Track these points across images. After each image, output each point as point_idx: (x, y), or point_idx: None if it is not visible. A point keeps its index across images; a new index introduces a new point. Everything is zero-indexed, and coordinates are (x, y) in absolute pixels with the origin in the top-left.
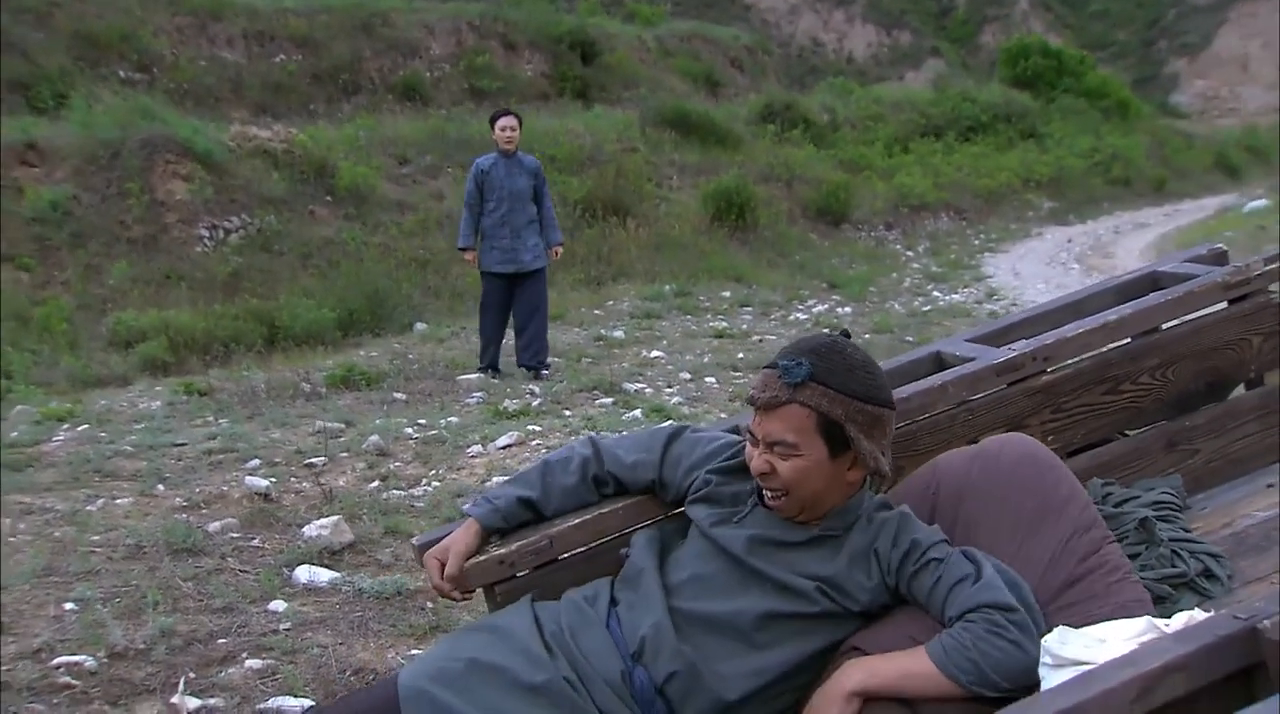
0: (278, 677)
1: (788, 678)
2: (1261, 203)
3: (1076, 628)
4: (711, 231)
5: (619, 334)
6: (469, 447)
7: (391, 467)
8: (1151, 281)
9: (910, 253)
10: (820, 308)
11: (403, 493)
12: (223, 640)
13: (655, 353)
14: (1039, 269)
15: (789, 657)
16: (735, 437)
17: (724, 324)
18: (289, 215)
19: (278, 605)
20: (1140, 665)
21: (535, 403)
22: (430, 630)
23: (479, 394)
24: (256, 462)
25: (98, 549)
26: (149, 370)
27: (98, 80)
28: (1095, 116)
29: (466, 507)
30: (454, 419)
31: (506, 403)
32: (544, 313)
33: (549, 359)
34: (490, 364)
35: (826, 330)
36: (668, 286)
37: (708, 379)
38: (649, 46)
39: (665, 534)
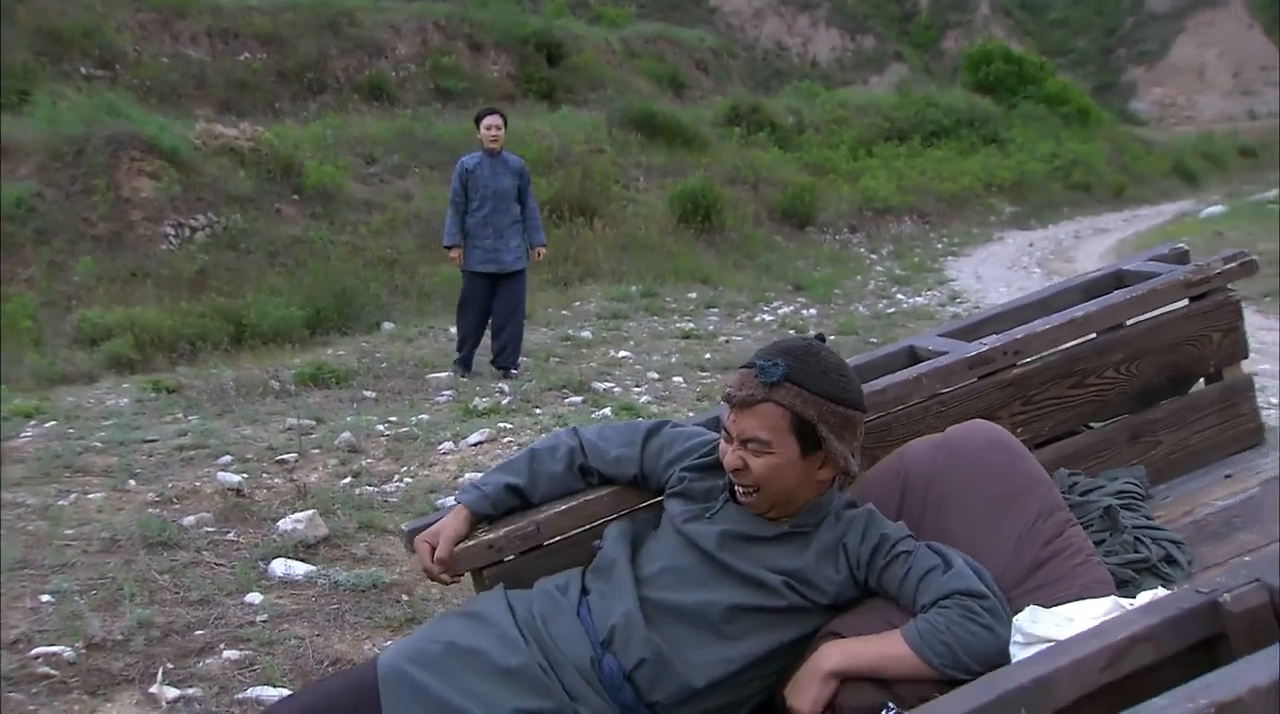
0: (256, 667)
1: (755, 667)
2: (1218, 209)
3: (1045, 609)
4: (678, 233)
5: (586, 334)
6: (440, 444)
7: (363, 463)
8: (1116, 279)
9: (874, 256)
10: (786, 310)
11: (375, 489)
12: (200, 632)
13: (623, 353)
14: (1001, 273)
15: (756, 647)
16: (711, 434)
17: (690, 325)
18: (255, 214)
19: (254, 598)
20: (1109, 637)
21: (505, 401)
22: (406, 622)
23: (448, 392)
24: (228, 458)
25: (72, 543)
26: (115, 368)
27: (60, 77)
28: (1056, 122)
29: (456, 494)
30: (424, 417)
31: (476, 401)
32: (522, 314)
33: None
34: (464, 361)
35: (793, 332)
36: (634, 287)
37: (675, 379)
38: (614, 48)
39: (637, 526)
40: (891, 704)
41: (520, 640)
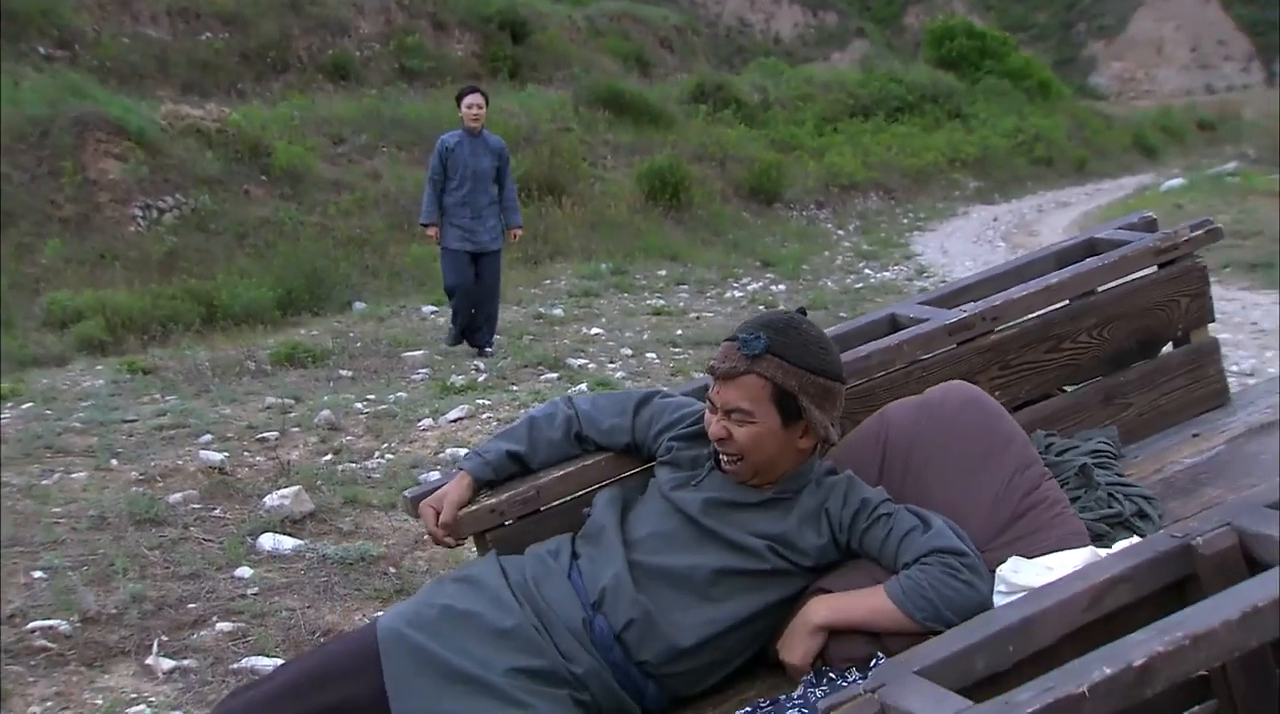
0: (249, 638)
1: (739, 627)
2: (1178, 182)
3: (1027, 559)
4: (646, 211)
5: (558, 312)
6: (419, 421)
7: (344, 440)
8: (1088, 247)
9: (841, 231)
10: (755, 286)
11: (357, 465)
12: (192, 605)
13: (595, 330)
14: (966, 247)
15: (741, 609)
16: (699, 404)
17: (661, 302)
18: (224, 195)
19: (244, 572)
20: (1090, 579)
21: (481, 378)
22: (394, 594)
23: (424, 371)
24: (209, 436)
25: (60, 521)
26: (86, 350)
27: (17, 57)
28: (1018, 97)
29: (459, 461)
30: (402, 395)
31: (453, 379)
32: (497, 294)
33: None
34: (459, 331)
35: (763, 308)
36: (604, 265)
37: (649, 355)
38: (579, 26)
39: (626, 493)
40: (881, 654)
41: (514, 603)
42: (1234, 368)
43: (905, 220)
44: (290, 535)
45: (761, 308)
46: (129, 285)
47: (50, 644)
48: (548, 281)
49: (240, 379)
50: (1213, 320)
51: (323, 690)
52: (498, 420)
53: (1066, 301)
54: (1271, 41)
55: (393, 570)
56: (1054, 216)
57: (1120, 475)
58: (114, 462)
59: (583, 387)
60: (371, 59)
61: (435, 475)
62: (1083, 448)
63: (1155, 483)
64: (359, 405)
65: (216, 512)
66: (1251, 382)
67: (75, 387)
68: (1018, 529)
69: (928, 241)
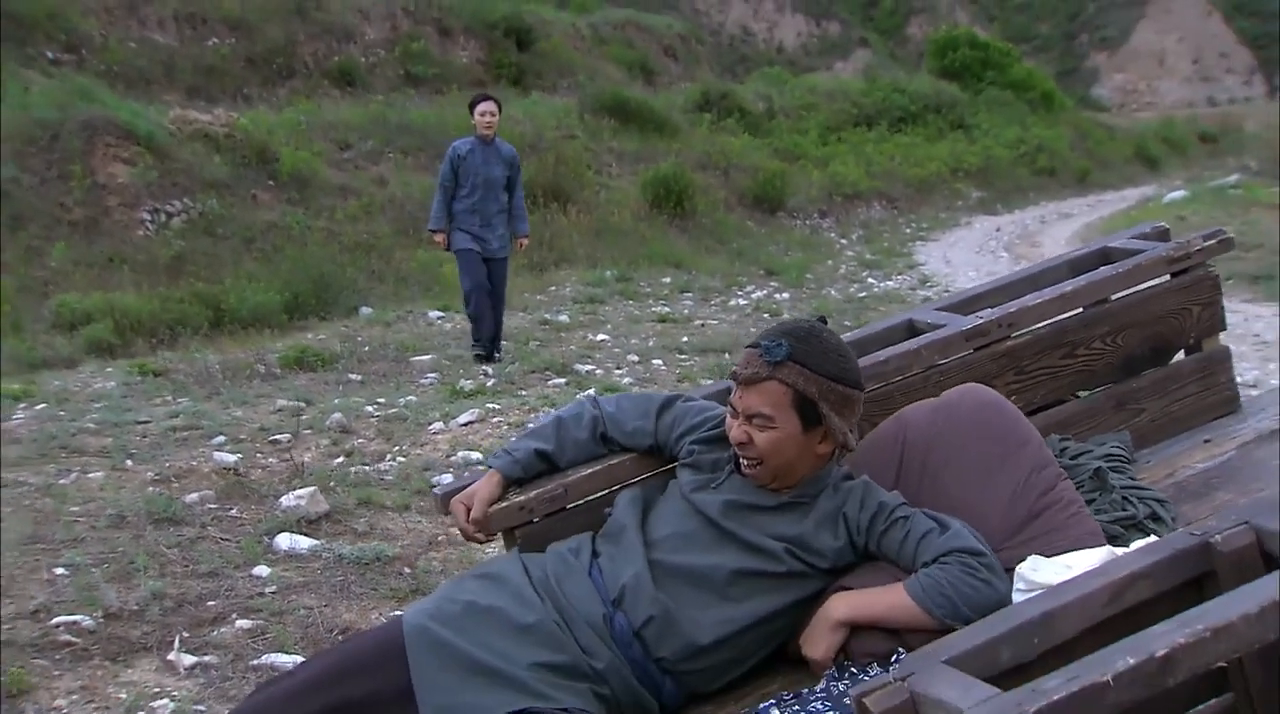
0: (268, 635)
1: (756, 627)
2: (1180, 193)
3: (1046, 558)
4: (651, 218)
5: (564, 318)
6: (430, 424)
7: (355, 443)
8: (1102, 256)
9: (844, 240)
10: (759, 294)
11: (370, 467)
12: (212, 603)
13: (601, 336)
14: (969, 257)
15: (758, 609)
16: (720, 408)
17: (666, 309)
18: (231, 199)
19: (261, 570)
20: (1111, 575)
21: (490, 383)
22: (410, 594)
23: (433, 375)
24: (222, 438)
25: (80, 519)
26: (95, 352)
27: (25, 61)
28: (1021, 108)
29: (488, 459)
30: (412, 398)
31: (462, 383)
32: (504, 301)
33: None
34: (484, 346)
35: (768, 316)
36: (609, 272)
37: (655, 361)
38: (584, 34)
39: (647, 494)
40: (902, 650)
41: (536, 599)
42: (1237, 379)
43: (908, 230)
44: (306, 535)
45: (766, 316)
46: (137, 288)
47: (74, 639)
48: (553, 288)
49: (250, 382)
50: (1224, 329)
51: (349, 684)
52: (508, 424)
53: (1081, 309)
54: (1273, 55)
55: (408, 570)
56: (1056, 227)
57: (1133, 479)
58: (129, 462)
59: (590, 392)
60: (377, 65)
61: (448, 478)
62: (1096, 452)
63: (1167, 487)
64: (369, 408)
65: (233, 512)
66: (1254, 393)
67: (87, 388)
68: (1034, 529)
69: (930, 251)
